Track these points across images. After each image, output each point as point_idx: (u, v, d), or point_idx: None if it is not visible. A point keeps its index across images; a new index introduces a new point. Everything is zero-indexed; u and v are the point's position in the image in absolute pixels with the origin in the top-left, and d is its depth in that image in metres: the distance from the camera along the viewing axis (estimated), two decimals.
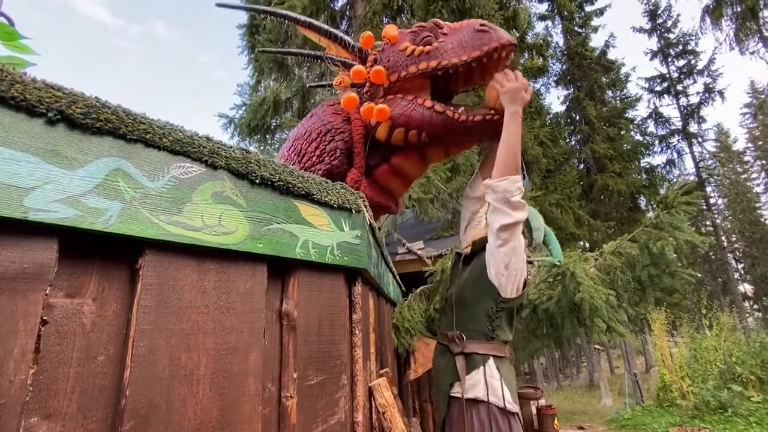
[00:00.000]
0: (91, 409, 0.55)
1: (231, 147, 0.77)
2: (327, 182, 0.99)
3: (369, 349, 1.23)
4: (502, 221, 1.30)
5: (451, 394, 1.36)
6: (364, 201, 1.14)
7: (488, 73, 1.46)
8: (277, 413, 0.79)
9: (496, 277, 1.36)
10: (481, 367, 1.32)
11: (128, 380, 0.57)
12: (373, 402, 1.14)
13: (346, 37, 1.61)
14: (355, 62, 1.58)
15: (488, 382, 1.30)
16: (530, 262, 1.49)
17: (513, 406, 1.29)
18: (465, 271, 1.54)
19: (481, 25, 1.39)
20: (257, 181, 0.79)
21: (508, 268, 1.33)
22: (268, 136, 7.61)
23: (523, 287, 1.41)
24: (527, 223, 1.51)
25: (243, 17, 7.31)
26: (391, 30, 1.51)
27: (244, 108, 7.60)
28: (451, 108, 1.41)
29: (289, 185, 0.85)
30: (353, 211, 1.05)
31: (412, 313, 2.37)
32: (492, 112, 1.42)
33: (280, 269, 0.86)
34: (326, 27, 1.61)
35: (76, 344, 0.56)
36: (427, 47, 1.42)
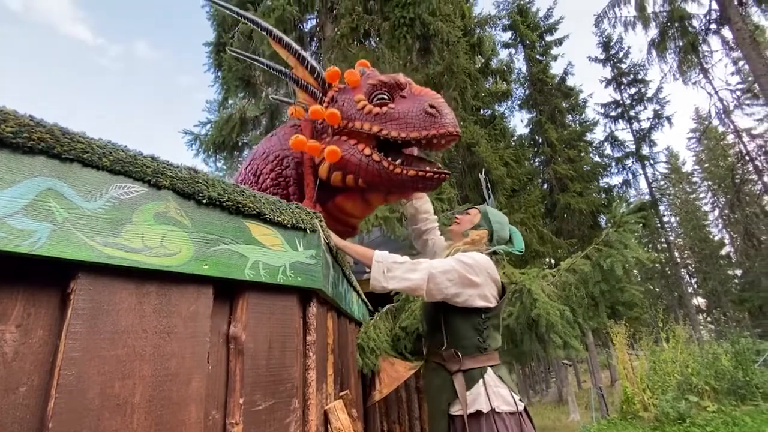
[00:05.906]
0: None
1: (178, 166, 0.76)
2: (281, 202, 0.99)
3: (326, 371, 1.21)
4: (407, 290, 1.41)
5: (452, 413, 1.34)
6: (320, 220, 1.14)
7: (430, 148, 1.45)
8: None
9: (471, 300, 1.40)
10: (480, 380, 1.34)
11: (52, 412, 0.54)
12: (329, 426, 1.12)
13: (314, 63, 1.60)
14: (317, 90, 1.57)
15: (492, 392, 1.32)
16: (495, 252, 1.56)
17: (521, 404, 1.34)
18: None
19: (431, 106, 1.36)
20: (204, 201, 0.78)
21: (460, 296, 1.38)
22: (235, 153, 7.50)
23: (503, 292, 1.50)
24: (486, 217, 1.61)
25: (210, 35, 7.30)
26: (352, 75, 1.50)
27: (209, 125, 7.49)
28: (389, 159, 1.40)
29: (239, 205, 0.85)
30: (308, 231, 1.04)
31: (378, 333, 2.35)
32: (426, 169, 1.43)
33: (229, 291, 0.84)
34: (297, 47, 1.58)
35: None
36: (377, 109, 1.41)
